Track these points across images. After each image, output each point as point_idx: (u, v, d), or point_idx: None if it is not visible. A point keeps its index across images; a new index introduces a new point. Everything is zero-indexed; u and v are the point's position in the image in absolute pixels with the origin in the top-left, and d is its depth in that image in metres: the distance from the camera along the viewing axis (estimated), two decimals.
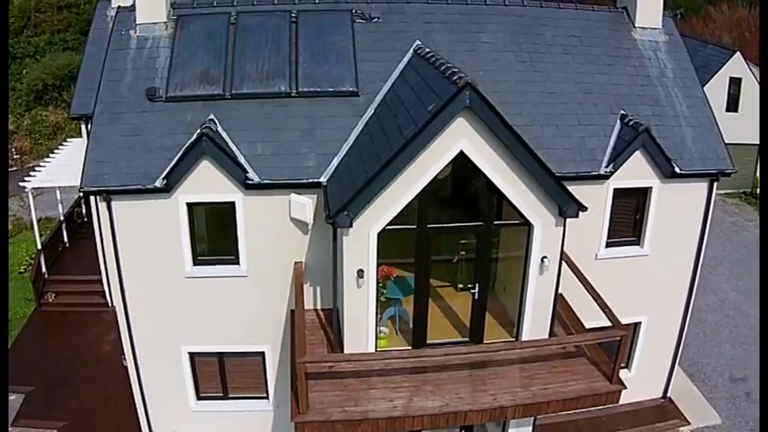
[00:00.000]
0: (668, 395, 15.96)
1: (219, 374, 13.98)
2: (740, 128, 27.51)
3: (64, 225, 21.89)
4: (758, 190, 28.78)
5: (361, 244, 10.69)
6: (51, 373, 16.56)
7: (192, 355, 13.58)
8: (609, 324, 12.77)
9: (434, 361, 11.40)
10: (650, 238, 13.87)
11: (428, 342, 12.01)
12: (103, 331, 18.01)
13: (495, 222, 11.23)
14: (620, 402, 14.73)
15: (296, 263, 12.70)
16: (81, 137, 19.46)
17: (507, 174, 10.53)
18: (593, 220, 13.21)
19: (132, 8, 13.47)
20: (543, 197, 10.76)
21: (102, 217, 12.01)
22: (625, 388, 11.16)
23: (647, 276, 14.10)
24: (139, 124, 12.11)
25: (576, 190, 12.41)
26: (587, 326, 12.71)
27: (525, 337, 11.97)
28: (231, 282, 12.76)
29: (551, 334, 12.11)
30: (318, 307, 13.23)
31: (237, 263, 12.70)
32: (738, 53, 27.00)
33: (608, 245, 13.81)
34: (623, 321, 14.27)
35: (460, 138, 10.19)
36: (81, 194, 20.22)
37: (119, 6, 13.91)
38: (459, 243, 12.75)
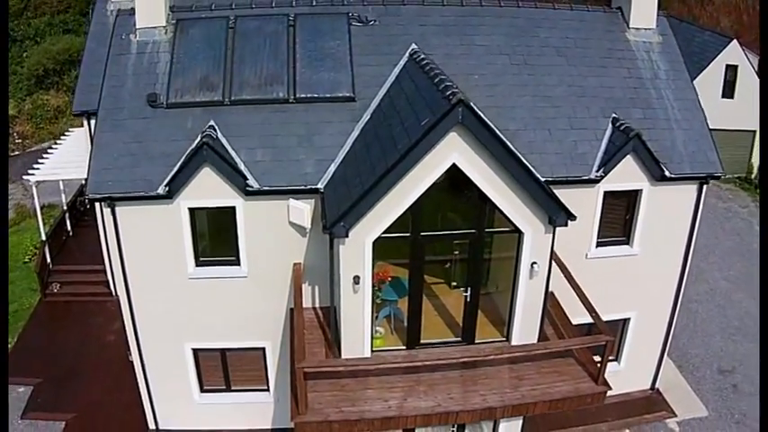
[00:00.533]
0: (656, 387, 16.46)
1: (222, 369, 14.49)
2: (736, 114, 27.80)
3: (67, 215, 22.18)
4: (752, 175, 29.04)
5: (356, 252, 11.08)
6: (58, 364, 17.01)
7: (196, 351, 14.07)
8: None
9: (427, 362, 11.86)
10: (640, 238, 14.22)
11: (422, 342, 12.48)
12: (107, 321, 18.46)
13: (487, 230, 11.60)
14: (610, 393, 15.49)
15: (295, 264, 13.10)
16: (82, 124, 19.62)
17: (498, 185, 10.87)
18: (584, 221, 13.46)
19: (132, 12, 13.66)
20: (533, 206, 11.10)
21: (106, 221, 12.38)
22: (610, 389, 11.62)
23: (636, 275, 14.48)
24: (141, 131, 12.42)
25: (567, 192, 12.89)
26: (577, 322, 13.18)
27: (516, 337, 12.42)
28: (232, 282, 13.18)
29: (541, 333, 12.56)
30: (317, 305, 13.65)
31: (238, 264, 13.11)
32: (735, 41, 27.07)
33: (598, 244, 14.17)
34: (613, 317, 15.04)
35: (453, 151, 10.51)
36: (84, 182, 20.83)
37: (119, 9, 14.08)
38: (453, 243, 13.11)
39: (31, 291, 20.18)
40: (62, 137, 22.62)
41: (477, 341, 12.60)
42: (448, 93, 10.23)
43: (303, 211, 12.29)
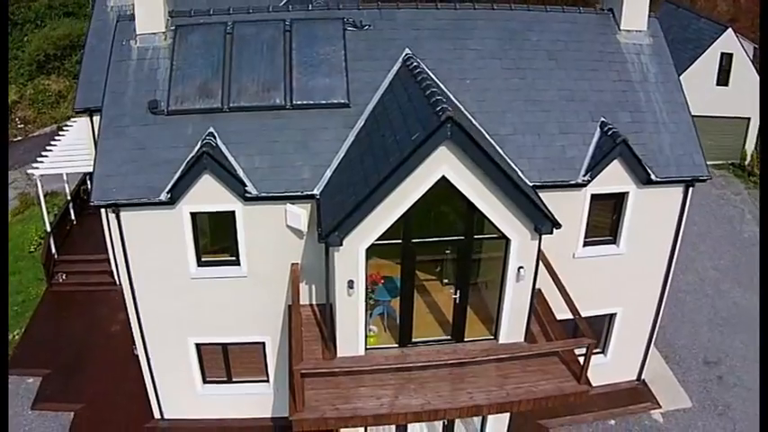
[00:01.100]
0: (643, 378, 17.06)
1: (224, 361, 15.13)
2: (730, 101, 28.07)
3: (71, 204, 22.62)
4: (746, 162, 29.36)
5: (350, 259, 11.60)
6: (65, 355, 17.62)
7: (198, 346, 14.68)
8: (584, 316, 13.73)
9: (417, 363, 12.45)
10: (626, 238, 14.68)
11: (413, 340, 13.05)
12: (112, 311, 18.86)
13: (476, 236, 12.09)
14: (597, 384, 16.12)
15: (292, 264, 13.61)
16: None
17: (486, 195, 11.32)
18: (571, 223, 13.94)
19: (132, 17, 13.98)
20: (520, 215, 11.57)
21: (111, 224, 12.87)
22: (592, 388, 12.20)
23: (622, 273, 14.96)
24: (143, 138, 12.84)
25: (555, 195, 13.37)
26: (564, 317, 13.64)
27: (503, 335, 13.00)
28: (233, 281, 13.71)
29: (527, 331, 13.12)
30: (314, 302, 14.19)
31: (238, 264, 13.63)
32: (730, 30, 27.22)
33: (585, 244, 14.64)
34: (599, 313, 15.58)
35: (442, 164, 10.95)
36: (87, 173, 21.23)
37: (120, 7, 14.35)
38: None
39: (37, 280, 20.74)
40: (65, 126, 22.91)
41: (466, 339, 13.17)
42: (438, 108, 10.63)
43: (300, 216, 12.77)
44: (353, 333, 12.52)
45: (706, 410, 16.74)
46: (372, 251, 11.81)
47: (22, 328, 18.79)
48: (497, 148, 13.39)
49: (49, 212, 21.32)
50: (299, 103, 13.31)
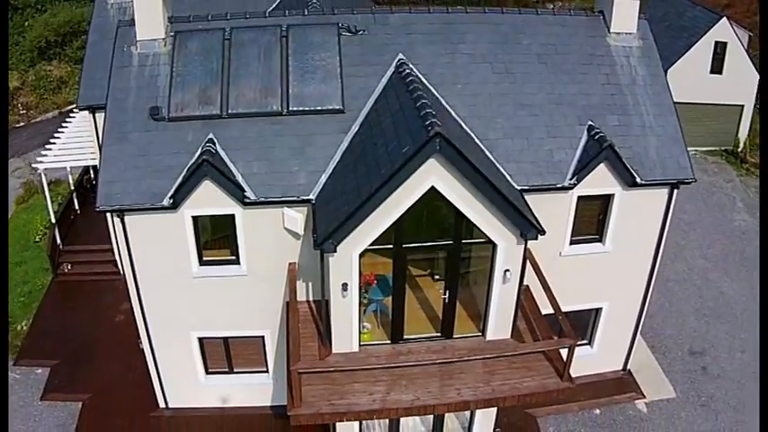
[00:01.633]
0: (628, 368, 17.70)
1: (225, 354, 15.82)
2: (724, 89, 28.38)
3: (74, 194, 23.13)
4: (739, 149, 29.72)
5: (344, 263, 12.18)
6: (72, 345, 18.26)
7: (201, 339, 15.35)
8: (570, 310, 14.77)
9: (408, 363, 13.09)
10: (612, 237, 15.19)
11: (405, 337, 13.68)
12: (117, 300, 19.39)
13: (464, 241, 12.65)
14: (584, 374, 16.77)
15: (290, 263, 14.18)
16: None
17: (474, 204, 11.84)
18: (558, 222, 14.53)
19: (132, 23, 14.36)
20: (506, 222, 12.10)
21: (116, 227, 13.42)
22: (574, 385, 12.83)
23: (608, 270, 15.52)
24: (145, 144, 13.33)
25: (542, 197, 13.88)
26: (551, 312, 14.08)
27: (490, 332, 13.63)
28: (233, 279, 14.31)
29: (514, 328, 13.73)
30: (310, 298, 14.79)
31: (238, 263, 14.21)
32: (725, 19, 27.43)
33: (572, 242, 15.15)
34: (586, 307, 16.16)
35: (431, 175, 11.46)
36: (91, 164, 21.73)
37: (119, 21, 14.75)
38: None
39: (43, 270, 21.31)
40: (68, 118, 23.35)
41: (455, 336, 13.81)
42: (427, 122, 11.10)
43: (297, 219, 13.32)
44: (348, 331, 13.15)
45: (689, 401, 17.31)
46: (366, 253, 12.39)
47: (30, 319, 19.42)
48: (487, 152, 13.88)
49: (53, 201, 21.83)
50: (295, 109, 13.76)
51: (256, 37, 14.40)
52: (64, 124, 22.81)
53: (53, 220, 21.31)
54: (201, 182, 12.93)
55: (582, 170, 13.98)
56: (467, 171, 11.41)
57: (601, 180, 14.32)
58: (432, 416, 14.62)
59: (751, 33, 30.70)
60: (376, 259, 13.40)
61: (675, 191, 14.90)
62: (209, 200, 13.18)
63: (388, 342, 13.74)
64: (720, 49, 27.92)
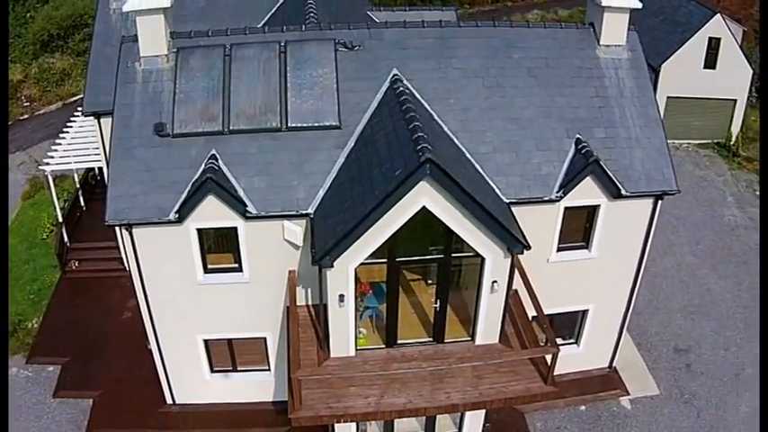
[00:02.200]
0: (614, 365, 18.45)
1: (229, 353, 16.67)
2: (717, 84, 28.86)
3: (80, 192, 23.73)
4: (731, 143, 30.20)
5: (341, 277, 12.90)
6: (82, 343, 19.00)
7: (206, 341, 16.15)
8: (557, 312, 16.02)
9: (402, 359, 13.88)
10: (598, 244, 15.82)
11: (398, 342, 14.45)
12: (124, 297, 20.13)
13: (454, 254, 13.36)
14: (570, 371, 17.55)
15: (290, 271, 14.89)
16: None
17: (462, 221, 12.52)
18: (545, 231, 15.19)
19: (135, 38, 14.87)
20: (493, 238, 12.78)
21: (125, 239, 14.11)
22: (557, 389, 13.61)
23: (594, 275, 16.19)
24: (150, 160, 13.96)
25: (530, 208, 14.52)
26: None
27: (479, 337, 14.41)
28: (236, 286, 15.05)
29: (502, 333, 14.47)
30: (309, 303, 15.52)
31: (241, 270, 14.92)
32: (718, 15, 27.81)
33: (559, 249, 15.79)
34: (572, 309, 16.93)
35: (423, 196, 12.13)
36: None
37: (123, 37, 15.25)
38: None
39: (51, 267, 21.98)
40: (72, 117, 23.87)
41: (446, 340, 14.57)
42: (418, 147, 11.73)
43: (296, 232, 14.02)
44: (345, 338, 13.93)
45: (672, 398, 17.97)
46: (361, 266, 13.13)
47: (40, 317, 20.16)
48: (477, 166, 14.50)
49: (59, 198, 22.43)
50: (293, 125, 14.35)
51: (255, 53, 14.93)
52: (69, 124, 23.35)
53: (60, 219, 21.92)
54: (205, 197, 13.58)
55: (568, 183, 14.57)
56: (456, 192, 12.06)
57: (587, 192, 14.91)
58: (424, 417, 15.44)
59: (745, 28, 31.06)
60: (372, 267, 14.13)
61: (660, 201, 15.47)
62: (212, 214, 13.85)
63: (383, 346, 14.50)
64: (714, 45, 28.34)
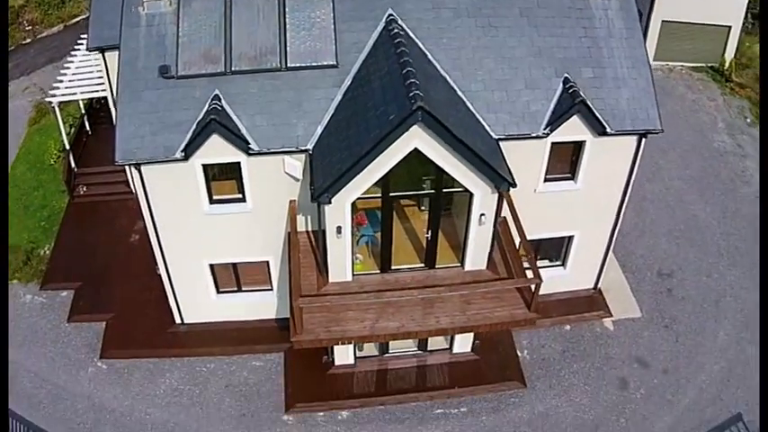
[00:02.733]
0: (599, 287, 19.54)
1: (234, 276, 17.88)
2: (711, 10, 28.64)
3: (85, 117, 24.26)
4: (725, 68, 30.30)
5: (338, 211, 13.91)
6: (93, 268, 19.91)
7: (212, 266, 17.30)
8: (545, 237, 17.02)
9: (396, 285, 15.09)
10: (583, 177, 16.58)
11: (393, 267, 15.60)
12: (131, 220, 20.98)
13: (444, 190, 14.29)
14: (557, 291, 18.62)
15: (291, 201, 15.83)
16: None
17: (452, 161, 13.37)
18: (533, 164, 15.99)
19: None
20: (481, 177, 13.66)
21: (134, 176, 14.99)
22: (540, 317, 14.80)
23: (579, 204, 17.06)
24: (156, 101, 14.62)
25: (518, 143, 15.27)
26: (529, 238, 15.69)
27: (468, 264, 15.54)
28: (240, 215, 16.04)
29: (490, 260, 15.58)
30: (309, 229, 16.53)
31: (244, 201, 15.88)
32: None
33: (546, 180, 16.57)
34: (559, 235, 17.90)
35: (414, 138, 12.93)
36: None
37: None
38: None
39: (59, 193, 22.69)
40: (76, 45, 24.06)
41: (437, 266, 15.72)
42: (411, 94, 12.42)
43: (296, 166, 14.92)
44: (342, 265, 15.09)
45: (653, 322, 18.88)
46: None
47: (52, 243, 21.00)
48: (468, 104, 15.15)
49: (64, 123, 22.85)
50: (292, 65, 14.93)
51: None
52: (73, 52, 23.64)
53: (67, 146, 22.53)
54: (210, 136, 14.34)
55: (555, 121, 15.23)
56: (445, 136, 12.85)
57: (573, 129, 15.55)
58: None
59: None
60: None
61: (644, 139, 16.14)
62: (216, 151, 14.65)
63: (378, 272, 15.65)
64: None
